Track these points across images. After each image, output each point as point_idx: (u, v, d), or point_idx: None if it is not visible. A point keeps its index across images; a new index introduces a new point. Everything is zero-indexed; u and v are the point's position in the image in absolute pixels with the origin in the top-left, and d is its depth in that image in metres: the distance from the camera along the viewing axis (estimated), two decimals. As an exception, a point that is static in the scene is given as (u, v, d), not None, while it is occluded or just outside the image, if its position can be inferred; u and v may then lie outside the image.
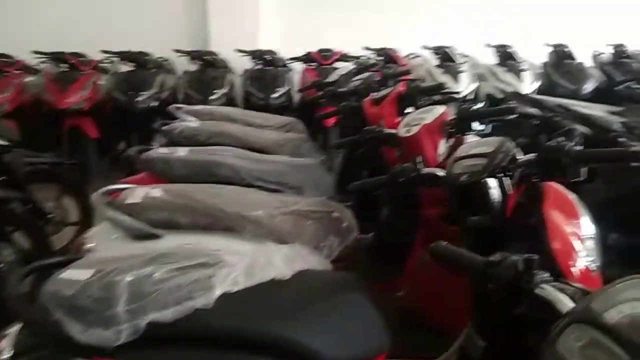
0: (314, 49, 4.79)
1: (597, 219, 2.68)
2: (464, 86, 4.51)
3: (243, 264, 1.14)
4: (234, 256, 1.15)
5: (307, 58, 4.68)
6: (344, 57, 4.59)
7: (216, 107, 3.89)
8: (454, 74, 4.56)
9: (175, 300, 0.98)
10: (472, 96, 4.66)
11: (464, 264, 0.89)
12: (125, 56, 4.67)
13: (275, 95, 4.57)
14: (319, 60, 4.64)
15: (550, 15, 5.93)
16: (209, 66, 4.75)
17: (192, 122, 2.67)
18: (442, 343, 1.53)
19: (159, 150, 2.23)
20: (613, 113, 3.12)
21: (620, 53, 5.09)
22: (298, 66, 4.87)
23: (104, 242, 1.57)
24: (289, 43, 5.14)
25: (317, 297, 1.20)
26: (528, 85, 4.60)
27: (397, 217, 2.24)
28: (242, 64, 4.94)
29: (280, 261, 1.22)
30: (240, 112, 3.37)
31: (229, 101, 4.67)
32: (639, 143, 2.46)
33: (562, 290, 0.73)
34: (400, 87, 2.33)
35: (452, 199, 1.33)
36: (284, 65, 4.78)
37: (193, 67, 4.89)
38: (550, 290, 0.74)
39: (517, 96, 3.72)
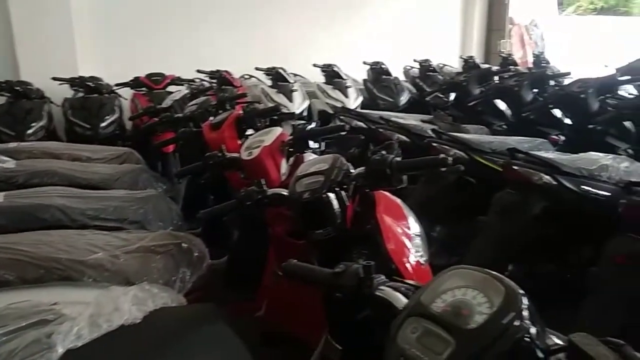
0: (142, 73, 4.58)
1: (422, 215, 3.03)
2: (298, 104, 4.73)
3: (86, 314, 1.05)
4: (74, 308, 1.06)
5: (135, 83, 4.45)
6: (176, 81, 4.47)
7: (35, 142, 3.49)
8: (288, 93, 4.76)
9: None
10: (305, 113, 4.90)
11: (313, 278, 0.95)
12: None
13: (104, 124, 4.26)
14: (149, 85, 4.45)
15: (368, 36, 6.59)
16: (21, 97, 4.23)
17: (6, 163, 2.36)
18: (305, 354, 1.59)
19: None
20: (424, 121, 3.58)
21: (426, 67, 5.83)
22: (126, 92, 4.61)
23: None
24: (114, 68, 4.84)
25: (174, 335, 1.16)
26: (353, 100, 5.00)
27: (248, 239, 2.26)
28: (61, 93, 4.51)
29: (128, 305, 1.15)
30: (64, 146, 3.08)
31: (50, 134, 4.21)
32: (449, 146, 2.87)
33: (397, 289, 0.83)
34: (238, 110, 2.37)
35: (298, 216, 1.40)
36: (111, 92, 4.48)
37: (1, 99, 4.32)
38: (388, 291, 0.82)
39: (345, 111, 4.04)
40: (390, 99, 5.25)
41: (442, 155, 1.23)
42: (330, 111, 4.76)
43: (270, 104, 4.66)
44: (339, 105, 4.77)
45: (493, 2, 7.40)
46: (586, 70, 4.04)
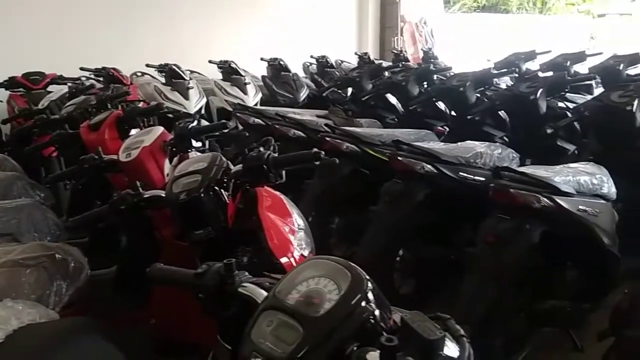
0: (19, 72, 4.20)
1: (320, 207, 3.07)
2: (195, 102, 4.60)
3: None
4: None
5: (11, 83, 4.06)
6: (58, 80, 4.15)
7: None
8: (183, 90, 4.61)
9: None
10: (204, 111, 4.79)
11: (177, 281, 0.93)
12: None
13: (-25, 129, 3.86)
14: (27, 85, 4.08)
15: (266, 33, 6.57)
16: None
17: None
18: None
19: None
20: (320, 116, 3.65)
21: (323, 64, 5.93)
22: (3, 94, 4.20)
23: None
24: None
25: (40, 354, 1.08)
26: (252, 97, 4.97)
27: (136, 245, 2.16)
28: None
29: (-13, 325, 1.05)
30: None
31: None
32: (342, 140, 2.95)
33: (260, 285, 0.84)
34: (119, 110, 2.25)
35: (177, 217, 1.36)
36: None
37: None
38: (250, 288, 0.83)
39: (243, 109, 4.00)
40: (290, 95, 5.27)
41: (314, 150, 1.25)
42: (229, 108, 4.69)
43: (166, 103, 4.50)
44: (238, 102, 4.72)
45: (385, 1, 7.72)
46: (471, 65, 4.36)
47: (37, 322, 1.21)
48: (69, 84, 4.08)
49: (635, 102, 2.41)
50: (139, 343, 1.88)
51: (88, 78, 4.50)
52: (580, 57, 4.01)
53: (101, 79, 4.39)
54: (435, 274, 2.64)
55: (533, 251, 1.96)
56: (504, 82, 4.09)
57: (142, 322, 1.96)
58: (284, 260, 1.37)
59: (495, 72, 3.81)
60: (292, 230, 1.45)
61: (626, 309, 1.63)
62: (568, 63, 3.93)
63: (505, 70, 3.94)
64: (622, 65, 3.57)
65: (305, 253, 1.44)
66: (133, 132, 2.16)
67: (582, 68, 4.01)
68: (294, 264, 1.39)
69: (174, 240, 1.69)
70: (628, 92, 2.47)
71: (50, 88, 4.14)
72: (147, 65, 4.93)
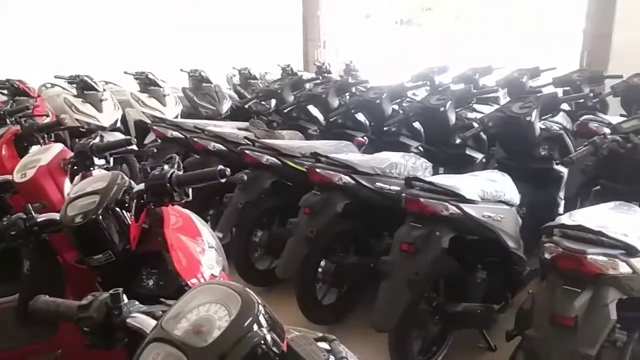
0: None
1: (241, 221, 3.00)
2: (109, 115, 4.40)
3: None
4: None
5: None
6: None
7: None
8: (97, 102, 4.39)
9: None
10: (120, 124, 4.58)
11: (62, 314, 0.86)
12: None
13: None
14: None
15: (185, 43, 6.41)
16: None
17: None
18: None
19: None
20: (241, 129, 3.61)
21: (246, 75, 5.89)
22: None
23: None
24: None
25: None
26: (172, 109, 4.83)
27: (38, 270, 2.01)
28: None
29: None
30: None
31: None
32: (262, 152, 2.93)
33: (152, 314, 0.79)
34: (17, 127, 2.10)
35: (73, 242, 1.28)
36: None
37: None
38: (139, 318, 0.79)
39: (161, 121, 3.87)
40: (212, 107, 5.18)
41: (220, 167, 1.22)
42: (148, 121, 4.52)
43: (76, 116, 4.27)
44: (157, 114, 4.56)
45: (307, 14, 7.83)
46: (391, 78, 4.50)
47: None
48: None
49: (534, 113, 2.59)
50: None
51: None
52: (487, 70, 4.28)
53: (5, 91, 4.08)
54: (357, 283, 2.68)
55: (444, 256, 2.04)
56: (420, 94, 4.26)
57: (48, 353, 1.83)
58: (193, 281, 1.33)
59: (409, 85, 3.96)
60: (202, 250, 1.41)
61: (529, 308, 1.73)
62: (477, 76, 4.18)
63: (419, 83, 4.11)
64: (525, 78, 3.84)
65: (216, 272, 1.40)
66: (33, 149, 2.02)
67: (489, 80, 4.28)
68: (204, 284, 1.34)
69: (76, 264, 1.60)
70: (528, 103, 2.65)
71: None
72: (56, 77, 4.64)
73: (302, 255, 2.46)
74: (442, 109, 2.98)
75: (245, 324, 0.67)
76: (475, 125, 2.74)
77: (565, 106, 3.18)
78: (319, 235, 2.43)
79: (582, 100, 3.49)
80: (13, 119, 2.46)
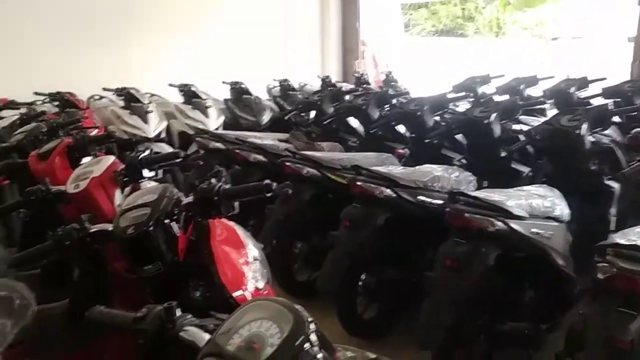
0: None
1: (282, 233, 3.03)
2: (154, 126, 4.52)
3: None
4: None
5: (-42, 109, 3.91)
6: (10, 105, 4.01)
7: None
8: (142, 114, 4.52)
9: None
10: (164, 135, 4.70)
11: (117, 325, 0.88)
12: None
13: None
14: (-25, 110, 3.94)
15: (227, 55, 6.56)
16: None
17: None
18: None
19: None
20: (281, 140, 3.65)
21: (286, 87, 5.95)
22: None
23: None
24: None
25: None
26: (214, 120, 4.92)
27: (89, 277, 2.08)
28: None
29: None
30: None
31: None
32: (303, 164, 2.94)
33: (204, 327, 0.80)
34: (69, 139, 2.18)
35: (125, 252, 1.32)
36: None
37: None
38: (192, 331, 0.80)
39: (203, 133, 3.96)
40: (253, 118, 5.25)
41: (266, 181, 1.23)
42: (191, 132, 4.63)
43: (123, 127, 4.41)
44: (199, 126, 4.66)
45: (346, 25, 7.86)
46: (431, 89, 4.45)
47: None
48: (22, 110, 3.95)
49: (584, 126, 2.50)
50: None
51: (43, 102, 4.37)
52: (532, 81, 4.16)
53: (56, 103, 4.27)
54: (398, 298, 2.64)
55: (490, 274, 1.98)
56: (463, 105, 4.19)
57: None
58: (237, 293, 1.34)
59: (452, 96, 3.90)
60: (246, 262, 1.42)
61: (580, 330, 1.66)
62: (522, 87, 4.07)
63: (461, 94, 4.04)
64: (572, 89, 3.72)
65: (261, 285, 1.40)
66: (85, 160, 2.10)
67: (535, 91, 4.16)
68: (249, 297, 1.35)
69: (126, 274, 1.64)
70: (577, 116, 2.57)
71: (2, 113, 4.00)
72: (104, 89, 4.82)
73: (343, 268, 2.45)
74: (486, 121, 2.92)
75: (297, 343, 0.67)
76: (521, 137, 2.67)
77: (616, 119, 3.06)
78: (360, 249, 2.42)
79: (635, 113, 3.35)
80: (65, 130, 2.57)
